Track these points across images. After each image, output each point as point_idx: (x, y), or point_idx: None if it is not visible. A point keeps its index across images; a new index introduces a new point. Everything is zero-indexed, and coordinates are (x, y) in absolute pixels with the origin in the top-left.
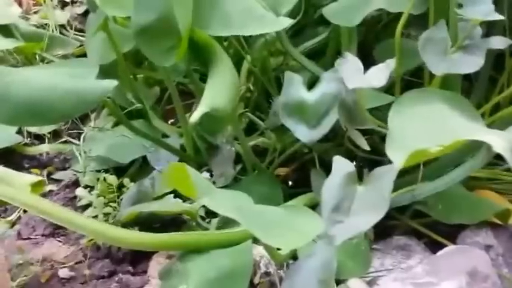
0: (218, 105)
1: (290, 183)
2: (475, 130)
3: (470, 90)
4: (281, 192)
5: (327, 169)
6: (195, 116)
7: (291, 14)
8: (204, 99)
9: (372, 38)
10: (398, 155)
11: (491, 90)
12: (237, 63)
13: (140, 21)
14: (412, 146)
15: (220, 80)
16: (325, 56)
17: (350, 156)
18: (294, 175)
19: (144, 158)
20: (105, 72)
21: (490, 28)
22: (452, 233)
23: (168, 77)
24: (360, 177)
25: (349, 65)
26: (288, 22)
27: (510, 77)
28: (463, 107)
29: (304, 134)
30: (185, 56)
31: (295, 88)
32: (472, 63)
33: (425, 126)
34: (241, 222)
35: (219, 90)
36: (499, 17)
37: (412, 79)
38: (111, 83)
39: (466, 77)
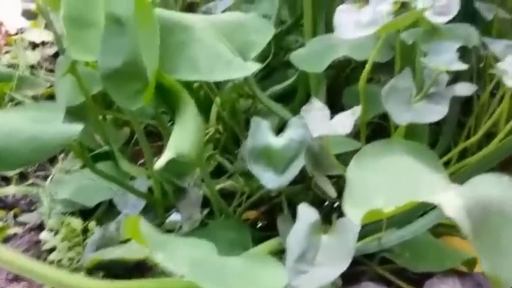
0: (183, 152)
1: (259, 226)
2: (433, 188)
3: (440, 132)
4: (249, 236)
5: (296, 212)
6: (159, 163)
7: (261, 57)
8: (170, 146)
9: (342, 81)
10: (355, 212)
11: (460, 133)
12: (208, 105)
13: (107, 65)
14: (369, 203)
15: (185, 127)
16: (295, 98)
17: (319, 199)
18: (263, 218)
19: (112, 200)
20: (74, 113)
21: (458, 72)
22: (421, 279)
23: (135, 120)
24: (329, 221)
25: (315, 112)
26: (255, 67)
27: (477, 120)
28: (426, 159)
29: (271, 180)
30: (152, 99)
31: (261, 134)
32: (435, 112)
33: (385, 181)
34: (194, 280)
35: (184, 137)
36: (462, 66)
37: (382, 122)
38: (75, 129)
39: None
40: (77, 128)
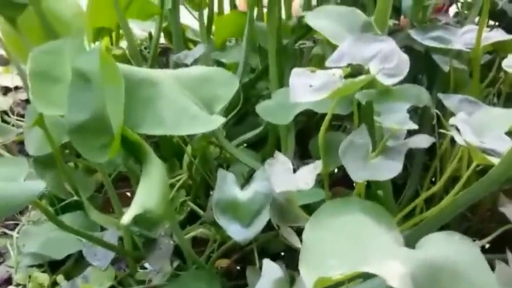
0: (149, 207)
1: (232, 275)
2: (382, 253)
3: (408, 175)
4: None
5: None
6: (125, 219)
7: (232, 104)
8: (135, 201)
9: (313, 126)
10: (309, 275)
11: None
12: (181, 151)
13: (73, 119)
14: (323, 267)
15: (150, 181)
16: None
17: (290, 248)
18: (236, 267)
19: (81, 251)
20: (43, 162)
21: (421, 120)
22: None
23: (103, 171)
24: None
25: (278, 166)
26: (220, 121)
27: (442, 163)
28: (381, 218)
29: (238, 232)
30: (120, 151)
31: (227, 186)
32: (391, 168)
33: (339, 244)
34: None
35: (150, 192)
36: (413, 126)
37: None
38: (38, 186)
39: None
40: (40, 185)
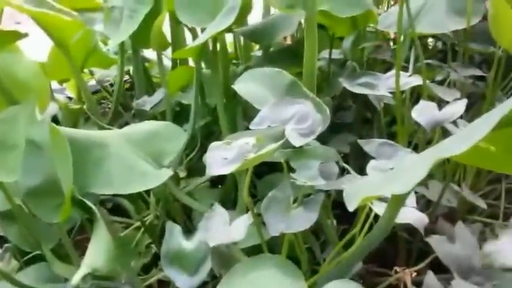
0: (96, 266)
1: None
2: None
3: None
4: None
5: None
6: (75, 279)
7: (188, 147)
8: (84, 261)
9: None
10: None
11: None
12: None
13: (27, 183)
14: None
15: (98, 242)
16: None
17: None
18: None
19: None
20: (7, 216)
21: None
22: None
23: (61, 229)
24: None
25: (216, 218)
26: (168, 174)
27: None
28: (289, 271)
29: (184, 282)
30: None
31: (174, 238)
32: (307, 219)
33: None
34: None
35: (97, 252)
36: (321, 182)
37: None
38: None
39: None
40: None
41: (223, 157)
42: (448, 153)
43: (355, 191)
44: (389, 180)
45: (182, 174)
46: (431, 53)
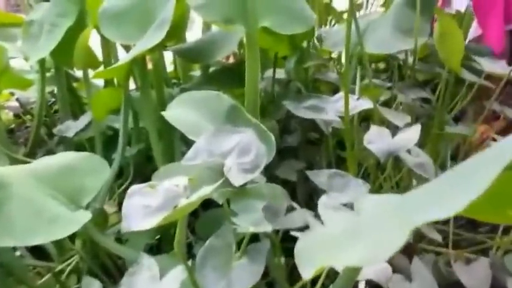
0: None
1: None
2: None
3: None
4: None
5: None
6: None
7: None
8: None
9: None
10: None
11: None
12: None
13: None
14: None
15: None
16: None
17: None
18: None
19: None
20: None
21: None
22: None
23: None
24: None
25: (143, 274)
26: (86, 218)
27: None
28: None
29: None
30: None
31: None
32: (252, 274)
33: None
34: None
35: None
36: (268, 228)
37: None
38: None
39: None
40: None
41: (146, 204)
42: (427, 217)
43: (310, 252)
44: (353, 238)
45: (111, 209)
46: (375, 72)
